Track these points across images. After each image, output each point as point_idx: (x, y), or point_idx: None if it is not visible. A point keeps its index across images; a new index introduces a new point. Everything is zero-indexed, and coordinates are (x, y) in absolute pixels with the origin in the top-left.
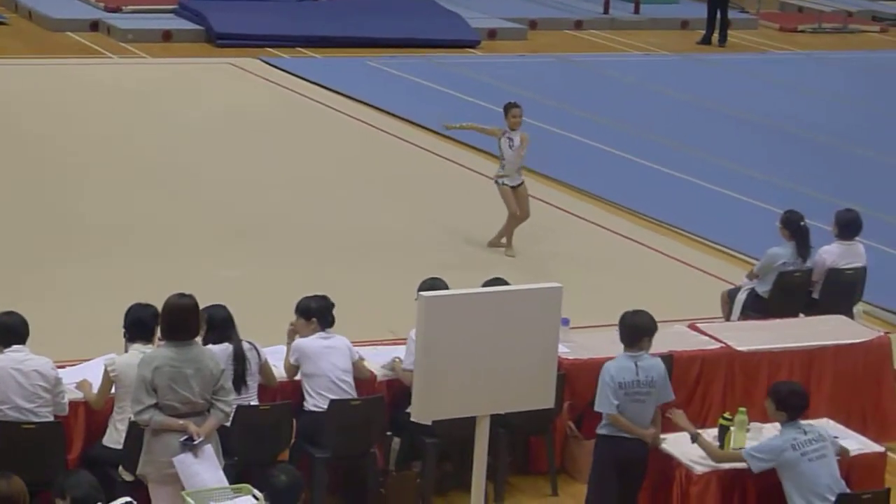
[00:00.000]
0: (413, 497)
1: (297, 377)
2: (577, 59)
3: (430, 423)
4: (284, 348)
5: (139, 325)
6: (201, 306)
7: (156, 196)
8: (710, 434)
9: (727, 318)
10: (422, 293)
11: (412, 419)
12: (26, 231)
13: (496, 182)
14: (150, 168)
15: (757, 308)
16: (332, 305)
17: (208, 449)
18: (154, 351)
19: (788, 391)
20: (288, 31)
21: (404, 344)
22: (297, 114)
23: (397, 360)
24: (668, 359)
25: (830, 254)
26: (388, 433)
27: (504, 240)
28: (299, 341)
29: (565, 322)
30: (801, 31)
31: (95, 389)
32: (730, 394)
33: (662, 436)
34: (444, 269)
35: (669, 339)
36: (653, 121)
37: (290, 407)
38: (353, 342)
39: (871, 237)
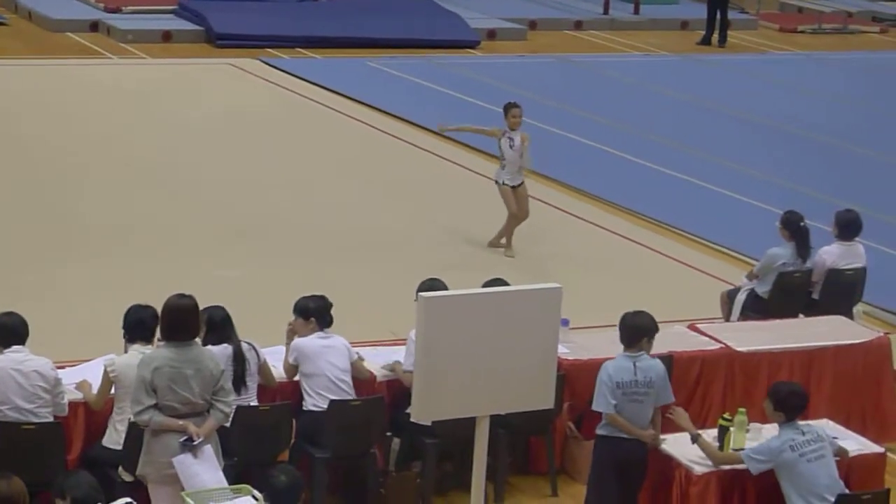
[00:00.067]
0: (413, 497)
1: (297, 378)
2: (576, 59)
3: (429, 423)
4: (283, 349)
5: (139, 325)
6: (201, 307)
7: (155, 196)
8: (709, 434)
9: (727, 318)
10: (421, 294)
11: (412, 419)
12: (26, 231)
13: (496, 182)
14: (149, 168)
15: (757, 308)
16: (331, 305)
17: (208, 449)
18: (154, 351)
19: (787, 392)
20: (288, 31)
21: (404, 345)
22: (296, 114)
23: (397, 363)
24: (668, 359)
25: (830, 254)
26: (388, 433)
27: (504, 240)
28: (298, 341)
29: (565, 323)
30: (801, 32)
31: (95, 390)
32: (729, 394)
33: (662, 436)
34: (443, 269)
35: (669, 339)
36: (652, 121)
37: (290, 407)
38: (352, 343)
39: (870, 238)
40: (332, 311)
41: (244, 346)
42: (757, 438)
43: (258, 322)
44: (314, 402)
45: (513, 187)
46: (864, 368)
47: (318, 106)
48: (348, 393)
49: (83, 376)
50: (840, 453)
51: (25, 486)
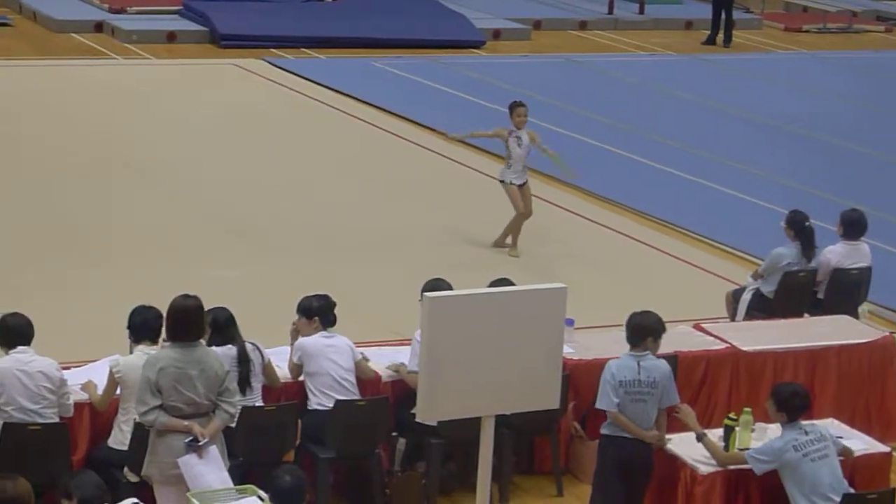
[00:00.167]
0: (418, 497)
1: (301, 377)
2: (581, 59)
3: (434, 423)
4: (286, 349)
5: (144, 326)
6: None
7: (156, 196)
8: (715, 434)
9: (732, 318)
10: (426, 294)
11: (417, 420)
12: (28, 232)
13: (502, 182)
14: (153, 168)
15: (762, 308)
16: (334, 304)
17: (213, 450)
18: (159, 352)
19: (789, 392)
20: (292, 31)
21: (408, 345)
22: (301, 114)
23: (402, 364)
24: (674, 359)
25: (835, 254)
26: (394, 433)
27: (509, 239)
28: (302, 340)
29: (570, 323)
30: (806, 31)
31: (100, 391)
32: (735, 394)
33: (668, 436)
34: (447, 268)
35: (674, 339)
36: (657, 121)
37: (296, 408)
38: (356, 343)
39: (876, 237)
40: (335, 311)
41: (248, 346)
42: (762, 438)
43: (259, 322)
44: (318, 401)
45: (519, 186)
46: (870, 368)
47: (322, 106)
48: (352, 392)
49: (88, 377)
50: (844, 453)
51: (31, 487)
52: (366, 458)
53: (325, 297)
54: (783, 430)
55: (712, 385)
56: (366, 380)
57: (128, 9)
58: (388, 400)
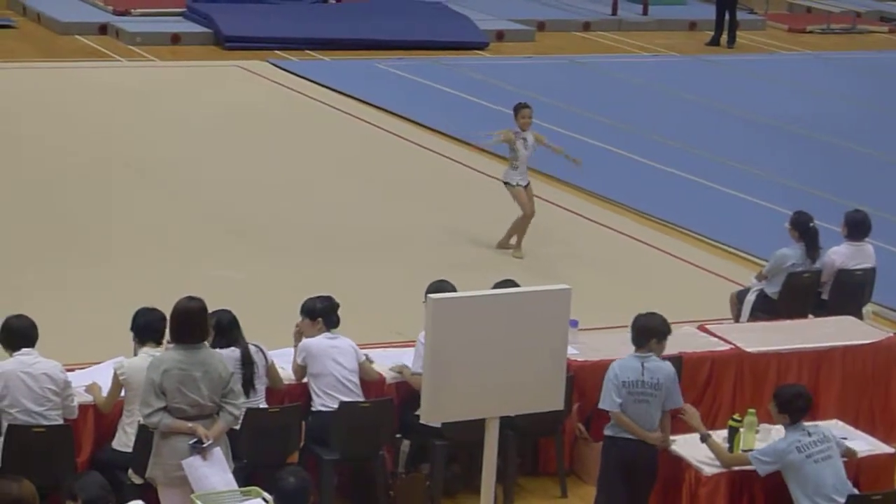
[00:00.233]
0: (422, 499)
1: (305, 379)
2: (584, 60)
3: (439, 425)
4: (287, 351)
5: (147, 328)
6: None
7: (156, 196)
8: (719, 435)
9: (736, 319)
10: (430, 295)
11: (421, 421)
12: (28, 232)
13: (507, 184)
14: (153, 168)
15: (766, 309)
16: (337, 306)
17: (217, 452)
18: (163, 354)
19: (791, 394)
20: (296, 33)
21: (411, 346)
22: (302, 115)
23: (405, 366)
24: (678, 360)
25: (839, 255)
26: (398, 435)
27: (513, 241)
28: (306, 341)
29: (574, 324)
30: (810, 32)
31: (105, 393)
32: (739, 395)
33: (672, 437)
34: (448, 268)
35: (679, 340)
36: (661, 122)
37: (300, 410)
38: (359, 344)
39: (880, 238)
40: (338, 312)
41: (252, 348)
42: (767, 439)
43: (258, 322)
44: (322, 402)
45: (524, 187)
46: (874, 369)
47: (323, 107)
48: (356, 393)
49: (93, 379)
50: (848, 454)
51: (36, 489)
52: (370, 460)
53: (329, 299)
54: (786, 432)
55: (716, 386)
56: (370, 381)
57: (132, 11)
58: (392, 402)
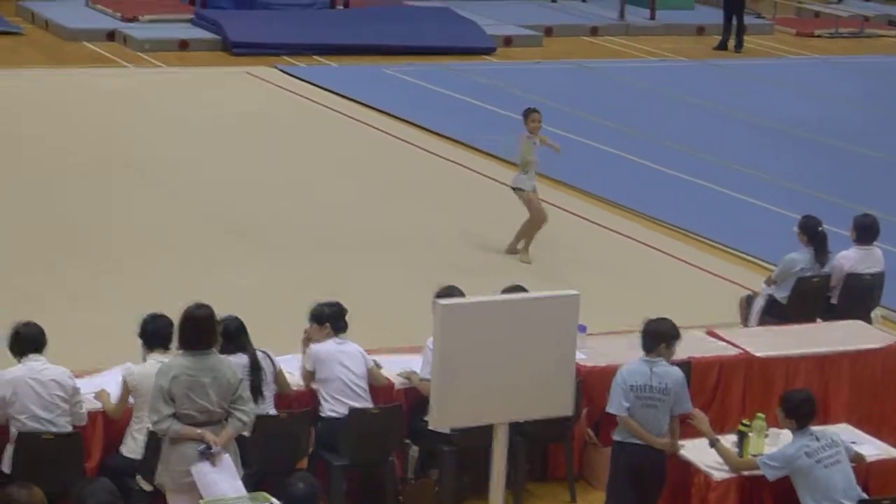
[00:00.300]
0: None
1: (314, 385)
2: (592, 65)
3: (448, 431)
4: (293, 358)
5: (156, 335)
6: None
7: (158, 196)
8: (728, 440)
9: (745, 323)
10: (439, 301)
11: (430, 427)
12: (29, 232)
13: (517, 189)
14: (157, 170)
15: (775, 314)
16: (345, 311)
17: (226, 458)
18: (171, 360)
19: (799, 400)
20: (304, 39)
21: (421, 352)
22: (305, 118)
23: (413, 372)
24: (687, 365)
25: (848, 259)
26: (407, 441)
27: (520, 245)
28: (314, 346)
29: (582, 329)
30: (818, 36)
31: (114, 399)
32: (748, 399)
33: (681, 442)
34: (448, 268)
35: (688, 344)
36: (669, 126)
37: (309, 416)
38: (367, 349)
39: (889, 242)
40: (345, 317)
41: (259, 355)
42: (776, 444)
43: (258, 322)
44: (331, 407)
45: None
46: (883, 373)
47: (327, 111)
48: (364, 398)
49: (101, 386)
50: (856, 458)
51: (45, 496)
52: (379, 466)
53: (337, 304)
54: (794, 437)
55: (725, 391)
56: (378, 387)
57: (140, 17)
58: (401, 408)
